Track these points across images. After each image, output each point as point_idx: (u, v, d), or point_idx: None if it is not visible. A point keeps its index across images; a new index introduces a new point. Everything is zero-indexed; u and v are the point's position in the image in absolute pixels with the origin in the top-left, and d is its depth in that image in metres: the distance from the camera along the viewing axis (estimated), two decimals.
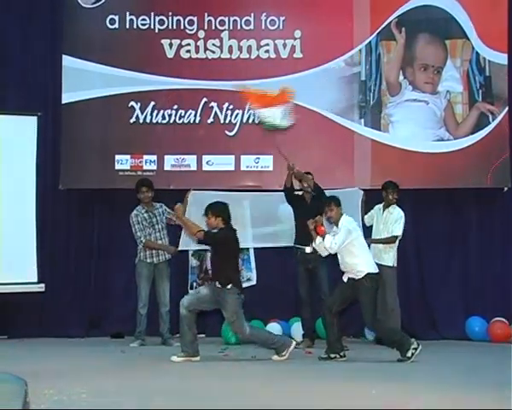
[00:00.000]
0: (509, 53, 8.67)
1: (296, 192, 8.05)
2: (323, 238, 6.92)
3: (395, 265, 8.07)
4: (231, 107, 8.83)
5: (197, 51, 8.94)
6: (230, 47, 8.93)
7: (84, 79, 8.81)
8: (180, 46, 8.94)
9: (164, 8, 8.95)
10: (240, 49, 8.94)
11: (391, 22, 8.81)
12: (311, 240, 7.64)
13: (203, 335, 8.25)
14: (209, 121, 8.85)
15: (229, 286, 6.85)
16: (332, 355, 6.91)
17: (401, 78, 8.84)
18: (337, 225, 6.95)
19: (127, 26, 8.95)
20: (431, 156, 8.66)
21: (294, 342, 7.13)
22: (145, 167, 8.81)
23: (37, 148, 8.61)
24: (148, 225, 8.17)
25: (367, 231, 8.09)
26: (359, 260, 6.88)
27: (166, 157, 8.83)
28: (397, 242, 8.02)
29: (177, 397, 5.22)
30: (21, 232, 8.39)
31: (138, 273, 8.18)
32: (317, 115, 8.72)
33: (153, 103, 8.84)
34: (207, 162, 8.81)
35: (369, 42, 8.82)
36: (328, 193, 7.58)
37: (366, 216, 8.20)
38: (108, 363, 6.99)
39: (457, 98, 8.78)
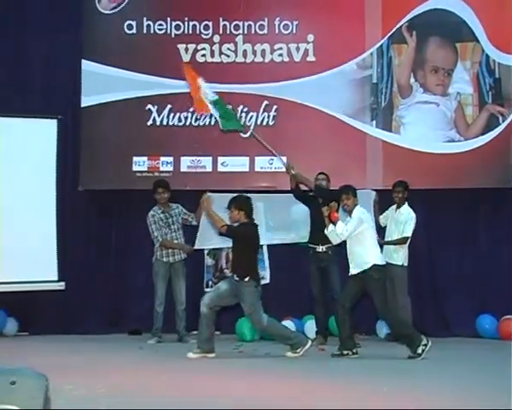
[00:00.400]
0: None
1: (310, 193, 8.04)
2: (335, 224, 6.93)
3: (405, 264, 8.06)
4: (246, 109, 8.85)
5: (212, 55, 8.98)
6: (245, 51, 8.95)
7: (102, 83, 8.86)
8: (196, 50, 8.97)
9: (180, 13, 8.98)
10: (254, 53, 8.95)
11: (402, 26, 8.79)
12: (325, 239, 7.66)
13: (218, 332, 8.24)
14: None
15: (246, 279, 6.87)
16: (344, 352, 6.91)
17: (412, 80, 8.81)
18: (351, 215, 6.97)
19: (144, 31, 8.99)
20: (442, 157, 8.64)
21: (310, 342, 7.12)
22: (162, 169, 8.84)
23: (58, 150, 8.66)
24: (164, 225, 8.19)
25: (382, 231, 8.11)
26: (367, 251, 6.88)
27: (183, 159, 8.86)
28: (407, 242, 8.01)
29: (192, 393, 5.24)
30: (42, 232, 8.45)
31: (155, 272, 8.21)
32: (329, 117, 8.72)
33: (169, 106, 8.87)
34: (222, 164, 8.84)
35: (381, 45, 8.80)
36: None
37: (381, 217, 8.19)
38: (126, 359, 7.02)
39: (467, 100, 8.75)
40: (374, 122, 8.79)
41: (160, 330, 8.16)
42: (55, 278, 8.52)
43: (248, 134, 8.34)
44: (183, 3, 9.03)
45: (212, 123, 8.84)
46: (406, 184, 8.09)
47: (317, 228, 7.64)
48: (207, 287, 8.77)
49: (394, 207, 8.14)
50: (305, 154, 8.55)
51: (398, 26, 8.78)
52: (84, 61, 8.88)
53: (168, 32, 9.00)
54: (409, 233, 7.96)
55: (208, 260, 8.92)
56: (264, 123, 8.84)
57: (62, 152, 8.72)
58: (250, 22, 8.96)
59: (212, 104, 7.57)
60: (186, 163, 8.86)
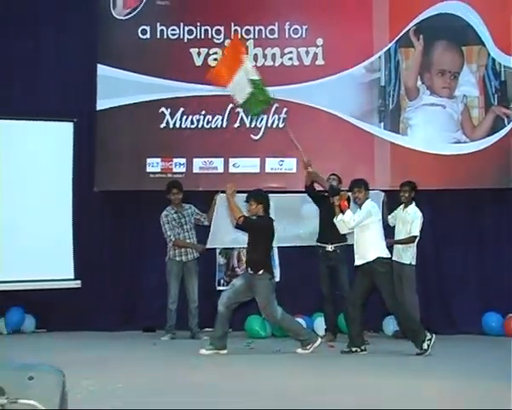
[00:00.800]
0: None
1: (321, 192, 8.04)
2: (344, 213, 6.94)
3: (413, 263, 8.06)
4: None
5: None
6: (256, 55, 8.94)
7: (117, 87, 8.87)
8: (208, 54, 8.97)
9: (192, 18, 8.99)
10: (264, 56, 8.95)
11: (409, 30, 8.77)
12: (333, 238, 7.68)
13: (230, 329, 8.26)
14: (235, 126, 8.88)
15: (260, 272, 6.90)
16: (353, 349, 6.92)
17: (419, 83, 8.80)
18: (361, 208, 6.99)
19: (158, 36, 9.01)
20: (448, 158, 8.62)
21: (320, 339, 7.13)
22: (175, 170, 8.86)
23: (74, 152, 8.69)
24: (177, 225, 8.22)
25: (391, 230, 8.12)
26: (371, 244, 6.92)
27: (195, 160, 8.87)
28: (415, 241, 8.01)
29: (204, 388, 5.26)
30: (59, 232, 8.48)
31: (168, 271, 8.23)
32: (338, 119, 8.71)
33: (182, 109, 8.89)
34: (234, 165, 8.84)
35: (389, 49, 8.79)
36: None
37: (390, 216, 8.19)
38: (141, 355, 7.05)
39: (474, 102, 8.73)
40: (382, 124, 8.77)
41: (173, 328, 8.18)
42: (72, 277, 8.55)
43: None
44: (196, 9, 9.02)
45: (224, 125, 8.87)
46: (413, 184, 8.09)
47: (327, 227, 7.65)
48: (219, 285, 8.79)
49: (402, 206, 8.15)
50: (314, 155, 8.49)
51: (405, 30, 8.76)
52: (99, 65, 8.90)
53: (181, 36, 9.01)
54: (416, 232, 7.96)
55: (220, 259, 8.93)
56: (275, 125, 8.84)
57: (78, 154, 8.75)
58: (261, 27, 8.96)
59: (251, 83, 7.43)
60: (198, 164, 8.87)
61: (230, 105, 8.82)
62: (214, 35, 8.99)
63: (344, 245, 7.75)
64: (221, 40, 8.96)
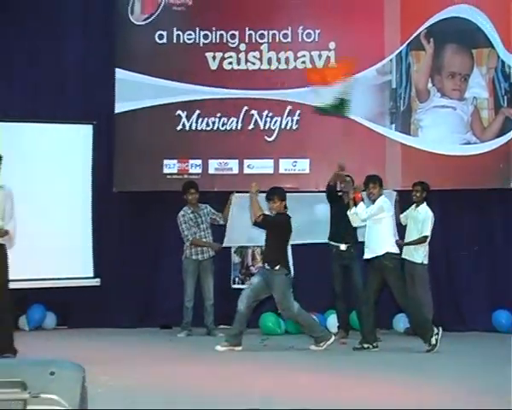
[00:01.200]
0: None
1: (338, 192, 8.04)
2: (356, 205, 6.97)
3: (425, 262, 8.04)
4: (270, 114, 8.86)
5: (239, 63, 8.99)
6: (269, 59, 8.96)
7: (135, 90, 8.90)
8: (223, 58, 8.99)
9: (208, 23, 9.00)
10: (278, 60, 8.96)
11: (420, 33, 8.74)
12: (347, 238, 7.68)
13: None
14: (250, 128, 8.89)
15: (277, 267, 6.94)
16: (365, 346, 6.92)
17: (430, 85, 8.77)
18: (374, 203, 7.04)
19: (174, 41, 9.03)
20: (458, 159, 8.59)
21: (333, 337, 7.14)
22: (191, 171, 8.88)
23: (93, 153, 8.73)
24: (193, 224, 8.24)
25: (403, 229, 8.12)
26: (381, 238, 6.96)
27: (210, 161, 8.89)
28: (427, 240, 8.00)
29: (219, 383, 5.29)
30: (79, 232, 8.51)
31: (185, 270, 8.26)
32: (350, 121, 8.70)
33: (198, 112, 8.92)
34: (248, 166, 8.86)
35: (400, 52, 8.77)
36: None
37: (401, 216, 8.19)
38: (158, 351, 7.09)
39: (483, 104, 8.69)
40: (393, 125, 8.75)
41: (189, 325, 8.21)
42: (91, 275, 8.58)
43: None
44: (211, 14, 9.03)
45: (239, 127, 8.89)
46: (425, 185, 8.08)
47: (341, 227, 7.67)
48: (234, 283, 8.82)
49: (414, 206, 8.14)
50: (327, 156, 8.54)
51: (416, 33, 8.73)
52: (117, 69, 8.94)
53: (197, 41, 9.03)
54: (427, 232, 7.95)
55: (235, 258, 8.95)
56: (288, 127, 8.85)
57: (97, 155, 8.78)
58: (274, 31, 8.96)
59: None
60: (214, 166, 8.89)
61: (245, 108, 8.85)
62: (229, 39, 9.00)
63: (356, 244, 7.74)
64: (236, 44, 8.98)
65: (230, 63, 8.98)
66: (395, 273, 6.92)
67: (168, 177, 8.89)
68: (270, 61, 8.95)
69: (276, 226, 7.08)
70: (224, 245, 8.46)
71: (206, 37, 9.02)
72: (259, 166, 8.82)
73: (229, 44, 8.99)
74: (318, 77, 7.82)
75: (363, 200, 7.08)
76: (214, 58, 8.99)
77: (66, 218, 8.42)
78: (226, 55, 8.98)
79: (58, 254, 8.24)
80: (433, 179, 8.25)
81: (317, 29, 8.92)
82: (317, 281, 8.60)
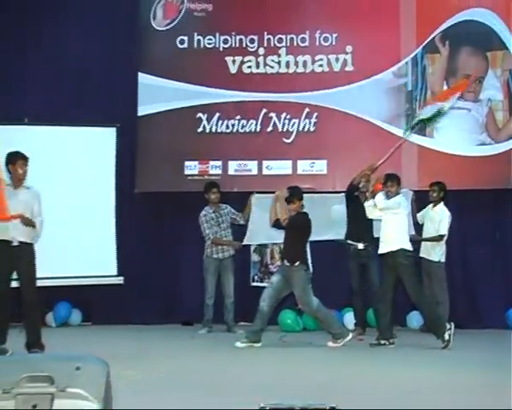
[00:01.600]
0: None
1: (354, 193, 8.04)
2: (374, 196, 7.02)
3: (442, 260, 8.01)
4: (288, 116, 8.87)
5: (258, 67, 9.01)
6: (288, 62, 8.96)
7: (156, 94, 8.94)
8: (242, 62, 9.01)
9: (228, 28, 9.03)
10: (296, 64, 8.96)
11: (435, 36, 8.71)
12: (364, 237, 7.68)
13: None
14: (268, 130, 8.90)
15: (296, 263, 6.96)
16: (382, 342, 6.92)
17: (445, 87, 8.72)
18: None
19: (195, 46, 9.06)
20: (473, 160, 8.54)
21: (351, 335, 7.14)
22: (211, 172, 8.91)
23: (116, 155, 8.77)
24: (214, 223, 8.27)
25: (420, 229, 8.10)
26: (396, 234, 6.97)
27: (230, 163, 8.91)
28: (444, 239, 7.97)
29: (239, 377, 5.31)
30: (103, 231, 8.55)
31: (206, 268, 8.28)
32: (366, 123, 8.68)
33: (218, 114, 8.95)
34: (267, 167, 8.87)
35: (415, 55, 8.73)
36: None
37: (419, 215, 8.17)
38: (180, 347, 7.12)
39: (498, 106, 8.63)
40: None
41: (210, 322, 8.22)
42: (115, 273, 8.62)
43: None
44: (231, 19, 9.06)
45: (258, 130, 8.90)
46: (442, 185, 8.05)
47: (358, 226, 7.67)
48: (253, 281, 8.83)
49: (431, 206, 8.11)
50: (344, 158, 8.54)
51: (431, 36, 8.69)
52: (140, 73, 8.99)
53: (217, 45, 9.06)
54: (444, 231, 7.92)
55: (254, 257, 8.96)
56: (306, 129, 8.85)
57: (120, 157, 8.82)
58: (292, 35, 8.97)
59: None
60: (233, 167, 8.91)
61: (264, 110, 8.87)
62: (248, 44, 9.02)
63: (373, 243, 7.73)
64: (255, 48, 9.00)
65: (250, 67, 9.00)
66: (409, 270, 6.92)
67: (189, 178, 8.93)
68: (288, 64, 8.96)
69: (299, 226, 7.10)
70: (244, 243, 8.48)
71: (225, 41, 9.04)
72: (278, 167, 8.83)
73: (249, 49, 9.01)
74: (445, 97, 7.84)
75: (381, 188, 7.09)
76: (234, 62, 9.02)
77: (91, 218, 8.45)
78: (245, 59, 9.00)
79: (83, 253, 8.28)
80: (448, 180, 8.20)
81: (334, 33, 8.91)
82: (335, 279, 8.59)
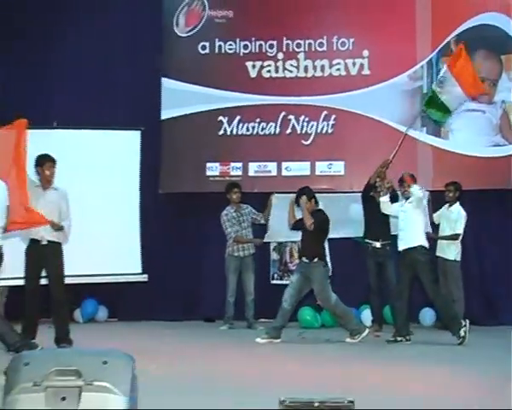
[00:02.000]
0: None
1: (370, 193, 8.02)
2: (410, 187, 7.03)
3: (458, 259, 7.97)
4: (307, 119, 8.87)
5: (277, 71, 9.01)
6: (306, 66, 8.96)
7: (179, 98, 8.98)
8: (262, 67, 9.02)
9: (248, 34, 9.05)
10: (314, 68, 8.95)
11: (451, 40, 8.66)
12: (382, 236, 7.65)
13: None
14: (287, 132, 8.90)
15: (315, 260, 6.96)
16: (398, 339, 6.89)
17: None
18: (407, 199, 7.02)
19: (216, 51, 9.09)
20: (488, 160, 8.47)
21: (368, 330, 7.12)
22: (232, 173, 8.93)
23: (141, 157, 8.80)
24: (236, 222, 8.29)
25: (436, 228, 8.07)
26: (416, 231, 6.95)
27: (250, 164, 8.93)
28: (459, 238, 7.92)
29: (259, 372, 5.31)
30: (128, 231, 8.55)
31: (227, 266, 8.30)
32: (383, 125, 8.66)
33: (238, 117, 8.96)
34: (286, 168, 8.87)
35: (431, 58, 8.69)
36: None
37: (435, 215, 8.13)
38: (202, 343, 7.14)
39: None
40: (424, 129, 8.67)
41: (231, 318, 8.25)
42: (139, 271, 8.63)
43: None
44: (251, 25, 9.06)
45: (277, 132, 8.91)
46: (458, 185, 8.01)
47: (375, 225, 7.64)
48: (273, 279, 8.84)
49: (446, 205, 8.07)
50: (360, 158, 8.51)
51: (446, 40, 8.64)
52: (163, 78, 9.02)
53: (237, 51, 9.08)
54: (460, 230, 7.89)
55: (274, 255, 8.97)
56: (324, 131, 8.84)
57: (145, 159, 8.85)
58: (311, 41, 8.97)
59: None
60: (253, 168, 8.93)
61: (283, 113, 8.88)
62: (268, 49, 9.03)
63: (390, 242, 7.70)
64: (274, 53, 9.01)
65: (269, 71, 9.01)
66: (427, 267, 6.90)
67: (211, 179, 8.95)
68: (306, 68, 8.96)
69: (321, 224, 7.12)
70: (265, 240, 8.50)
71: (246, 47, 9.06)
72: (297, 168, 8.83)
73: (268, 54, 9.02)
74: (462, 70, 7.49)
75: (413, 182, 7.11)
76: (254, 67, 9.03)
77: (116, 218, 8.47)
78: (265, 63, 9.01)
79: (109, 252, 8.30)
80: (463, 180, 8.15)
81: (351, 38, 8.90)
82: (353, 277, 8.57)
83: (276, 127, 8.90)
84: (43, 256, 6.45)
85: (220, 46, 9.09)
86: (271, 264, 8.98)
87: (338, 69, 8.90)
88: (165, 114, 9.01)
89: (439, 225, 8.12)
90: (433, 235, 7.90)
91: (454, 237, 7.91)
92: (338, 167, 8.74)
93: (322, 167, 8.81)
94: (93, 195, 8.24)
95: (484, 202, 8.58)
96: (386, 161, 7.65)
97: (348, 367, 5.62)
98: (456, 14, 8.71)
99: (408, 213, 7.00)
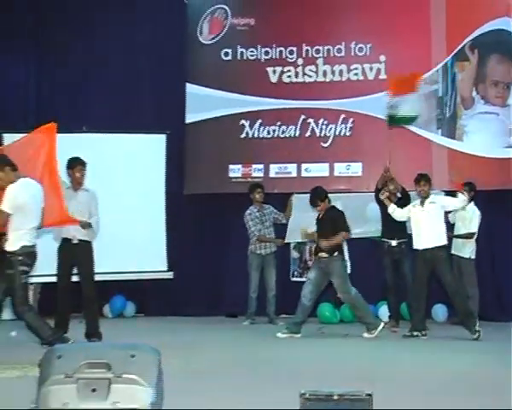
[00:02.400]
0: None
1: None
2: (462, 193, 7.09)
3: (472, 257, 7.91)
4: (326, 122, 8.86)
5: (297, 76, 9.01)
6: (325, 71, 8.95)
7: (203, 103, 9.01)
8: (282, 72, 9.02)
9: (268, 41, 9.06)
10: (333, 73, 8.94)
11: (465, 45, 8.59)
12: (397, 235, 7.61)
13: None
14: (307, 135, 8.90)
15: (335, 254, 6.94)
16: (415, 333, 6.86)
17: (474, 93, 8.60)
18: (424, 201, 6.96)
19: (238, 58, 9.12)
20: (501, 161, 8.39)
21: (383, 323, 7.10)
22: (253, 175, 8.94)
23: (166, 160, 8.84)
24: (259, 222, 8.29)
25: (451, 228, 7.97)
26: (441, 229, 6.96)
27: (271, 166, 8.94)
28: (474, 237, 7.86)
29: (280, 366, 5.31)
30: (154, 230, 8.60)
31: (250, 263, 8.31)
32: (399, 128, 8.57)
33: (260, 121, 8.97)
34: (306, 170, 8.86)
35: (446, 63, 8.63)
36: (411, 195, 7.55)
37: (450, 214, 8.04)
38: (225, 337, 7.14)
39: None
40: (439, 131, 8.63)
41: (253, 314, 8.25)
42: (165, 269, 8.68)
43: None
44: (271, 32, 9.07)
45: (297, 134, 8.90)
46: (472, 185, 7.93)
47: (391, 225, 7.58)
48: (293, 277, 8.84)
49: None
50: (377, 160, 8.42)
51: (461, 45, 8.58)
52: (187, 84, 9.07)
53: (258, 57, 9.09)
54: (475, 229, 7.83)
55: (294, 254, 8.97)
56: (342, 134, 8.82)
57: (170, 162, 8.88)
58: (329, 46, 8.96)
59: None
60: (274, 170, 8.93)
61: (302, 116, 8.87)
62: (288, 55, 9.03)
63: (407, 240, 7.66)
64: (294, 59, 9.01)
65: (289, 76, 9.01)
66: (448, 263, 6.92)
67: (233, 180, 8.97)
68: (325, 73, 8.95)
69: (334, 219, 7.10)
70: (286, 241, 8.50)
71: (267, 53, 9.07)
72: (316, 169, 8.81)
73: (288, 59, 9.02)
74: (399, 88, 7.50)
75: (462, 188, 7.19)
76: (274, 72, 9.04)
77: (143, 218, 8.51)
78: (285, 69, 9.01)
79: (136, 250, 8.34)
80: (477, 181, 8.06)
81: (369, 43, 8.87)
82: (370, 275, 8.53)
83: (295, 130, 8.89)
84: (75, 255, 6.51)
85: (242, 53, 9.11)
86: (292, 262, 8.98)
87: (356, 74, 8.88)
88: (190, 118, 9.05)
89: (453, 224, 8.05)
90: (449, 234, 7.83)
91: (469, 236, 7.85)
92: (356, 169, 8.71)
93: (340, 169, 8.79)
94: (121, 196, 8.29)
95: (497, 201, 8.49)
96: (386, 166, 7.62)
97: (366, 361, 5.60)
98: (471, 20, 8.64)
99: (432, 213, 6.94)
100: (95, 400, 2.68)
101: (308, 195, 7.48)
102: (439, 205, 7.01)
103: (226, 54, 9.13)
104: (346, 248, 8.42)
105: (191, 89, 9.06)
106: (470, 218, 7.84)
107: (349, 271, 8.36)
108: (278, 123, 8.92)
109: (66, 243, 6.53)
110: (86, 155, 6.72)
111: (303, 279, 8.05)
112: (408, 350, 6.19)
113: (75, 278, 6.65)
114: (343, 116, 8.81)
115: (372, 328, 6.95)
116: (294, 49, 9.01)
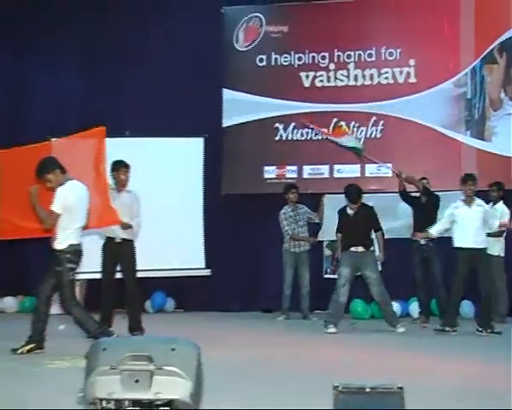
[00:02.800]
0: None
1: (413, 194, 7.91)
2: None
3: (501, 254, 7.79)
4: (357, 125, 8.81)
5: (329, 80, 8.99)
6: (356, 76, 8.90)
7: (239, 107, 9.04)
8: (315, 77, 9.00)
9: (301, 47, 9.05)
10: (364, 77, 8.89)
11: (494, 48, 8.45)
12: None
13: None
14: None
15: (371, 248, 7.03)
16: (446, 329, 6.81)
17: (502, 95, 8.47)
18: (471, 198, 6.92)
19: (272, 63, 9.12)
20: None
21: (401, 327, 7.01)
22: (287, 176, 8.94)
23: (204, 162, 8.87)
24: (293, 221, 8.28)
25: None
26: (482, 231, 6.92)
27: (305, 167, 8.93)
28: (503, 235, 7.74)
29: (315, 360, 5.29)
30: (193, 229, 8.63)
31: (284, 261, 8.30)
32: (428, 130, 8.53)
33: (293, 124, 8.96)
34: (338, 171, 8.83)
35: (474, 66, 8.51)
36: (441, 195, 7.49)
37: None
38: (260, 332, 7.16)
39: None
40: (468, 132, 8.52)
41: (287, 309, 8.23)
42: (203, 266, 8.70)
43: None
44: (304, 39, 9.05)
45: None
46: (501, 185, 7.83)
47: (420, 224, 7.51)
48: (326, 274, 8.82)
49: (491, 204, 7.87)
50: (408, 161, 8.39)
51: (489, 49, 8.45)
52: (224, 89, 9.11)
53: (292, 62, 9.09)
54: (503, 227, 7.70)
55: (327, 251, 8.94)
56: (373, 136, 8.77)
57: (207, 163, 8.89)
58: (360, 51, 8.91)
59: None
60: (307, 171, 8.92)
61: (334, 119, 8.83)
62: (320, 60, 9.01)
63: (435, 239, 7.57)
64: (326, 64, 8.98)
65: (321, 81, 8.99)
66: (487, 261, 6.88)
67: (268, 181, 8.99)
68: (356, 77, 8.90)
69: (368, 215, 7.18)
70: (318, 239, 8.49)
71: (300, 59, 9.06)
72: (347, 170, 8.77)
73: (320, 65, 9.00)
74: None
75: None
76: (307, 77, 9.02)
77: (182, 218, 8.53)
78: (318, 74, 8.99)
79: (176, 248, 8.36)
80: (505, 180, 7.95)
81: (398, 48, 8.80)
82: (401, 272, 8.45)
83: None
84: (118, 253, 6.59)
85: (276, 59, 9.11)
86: (324, 259, 8.95)
87: (386, 78, 8.81)
88: (226, 122, 9.08)
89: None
90: None
91: (498, 234, 7.72)
92: (386, 169, 8.63)
93: (371, 170, 8.73)
94: (161, 197, 8.34)
95: None
96: (397, 171, 7.88)
97: (398, 355, 5.56)
98: (499, 23, 8.51)
99: (479, 216, 6.88)
100: (138, 390, 2.71)
101: (340, 195, 7.45)
102: (484, 210, 6.97)
103: (261, 60, 9.14)
104: (376, 246, 8.39)
105: (227, 94, 9.10)
106: (500, 216, 7.71)
107: (380, 269, 8.32)
108: (311, 126, 8.87)
109: (109, 242, 6.62)
110: (129, 158, 6.79)
111: (335, 276, 8.01)
112: (438, 345, 6.14)
113: (118, 275, 6.73)
114: (374, 119, 8.75)
115: (397, 323, 6.94)
116: (326, 54, 8.98)
